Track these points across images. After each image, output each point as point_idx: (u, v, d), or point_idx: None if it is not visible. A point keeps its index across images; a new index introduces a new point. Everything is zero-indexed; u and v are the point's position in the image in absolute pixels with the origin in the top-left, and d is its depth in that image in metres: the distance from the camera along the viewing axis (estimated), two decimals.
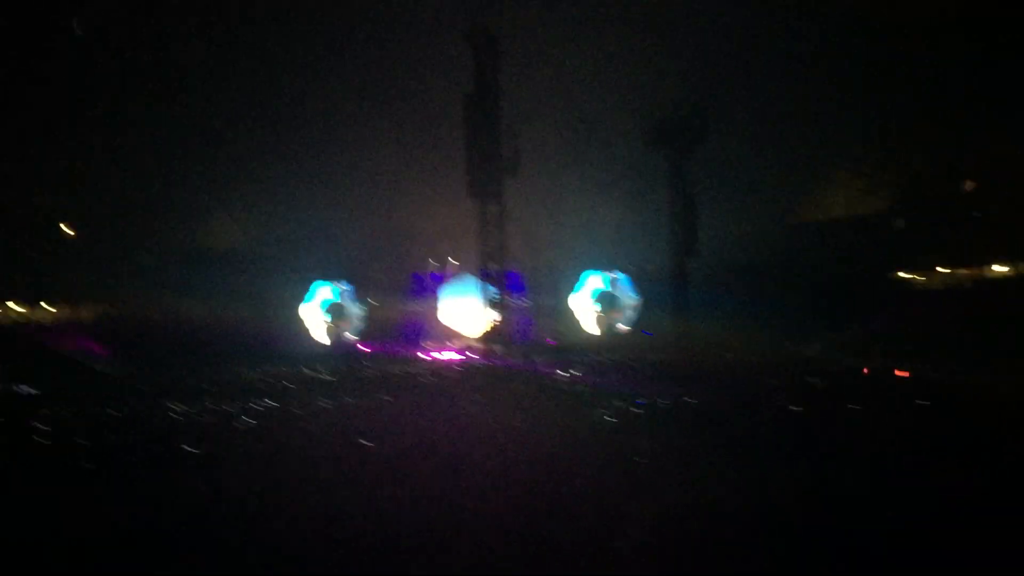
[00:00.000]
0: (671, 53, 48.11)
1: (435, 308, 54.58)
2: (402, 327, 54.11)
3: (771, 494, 14.04)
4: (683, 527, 12.63)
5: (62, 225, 51.27)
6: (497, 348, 35.65)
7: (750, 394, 26.14)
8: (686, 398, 24.57)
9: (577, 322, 53.97)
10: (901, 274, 49.62)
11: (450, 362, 45.37)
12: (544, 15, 47.62)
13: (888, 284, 48.84)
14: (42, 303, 50.26)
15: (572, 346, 48.91)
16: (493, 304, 35.38)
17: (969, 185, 47.91)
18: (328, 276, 54.33)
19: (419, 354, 49.75)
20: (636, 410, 22.81)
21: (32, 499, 15.33)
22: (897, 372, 31.51)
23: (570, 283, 54.26)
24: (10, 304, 49.42)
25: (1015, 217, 43.59)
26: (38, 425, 22.53)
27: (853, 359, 36.37)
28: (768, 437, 18.65)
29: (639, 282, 53.34)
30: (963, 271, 47.33)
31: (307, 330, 53.89)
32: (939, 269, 48.45)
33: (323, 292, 54.53)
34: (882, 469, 15.50)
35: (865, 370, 32.35)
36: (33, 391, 32.05)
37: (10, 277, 47.32)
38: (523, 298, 52.67)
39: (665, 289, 42.87)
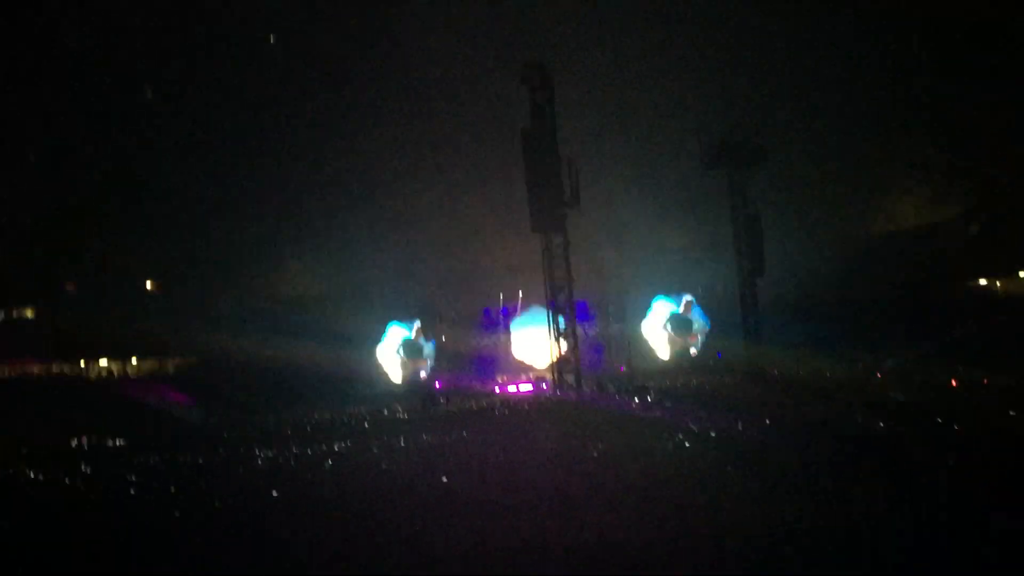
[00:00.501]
0: (727, 72, 48.16)
1: (506, 342, 54.96)
2: (474, 362, 54.56)
3: (855, 521, 13.61)
4: (771, 554, 12.44)
5: (148, 282, 53.31)
6: (568, 378, 35.75)
7: (829, 415, 25.81)
8: (765, 421, 24.37)
9: (648, 349, 53.78)
10: (980, 281, 48.41)
11: (523, 394, 45.57)
12: (597, 47, 48.16)
13: (967, 292, 47.66)
14: (131, 357, 52.14)
15: (644, 373, 48.74)
16: (562, 335, 35.55)
17: None
18: (401, 316, 55.21)
19: (493, 388, 50.08)
20: (713, 435, 22.73)
21: (124, 547, 15.92)
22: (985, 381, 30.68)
23: (638, 310, 54.16)
24: (101, 362, 51.37)
25: None
26: (129, 476, 23.37)
27: (936, 371, 35.53)
28: (848, 461, 18.29)
29: (708, 305, 53.01)
30: None
31: (383, 370, 54.73)
32: (1021, 274, 47.16)
33: (397, 332, 55.36)
34: (973, 493, 14.77)
35: (953, 382, 31.49)
36: (122, 443, 33.19)
37: (101, 334, 49.16)
38: (592, 327, 52.72)
39: (735, 311, 42.54)
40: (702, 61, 48.23)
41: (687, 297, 52.93)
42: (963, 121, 46.74)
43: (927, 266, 45.95)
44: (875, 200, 52.55)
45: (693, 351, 53.29)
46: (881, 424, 22.57)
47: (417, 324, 54.24)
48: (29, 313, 51.42)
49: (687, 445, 21.65)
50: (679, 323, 53.63)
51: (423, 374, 54.41)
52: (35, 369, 48.71)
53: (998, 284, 48.35)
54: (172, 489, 21.31)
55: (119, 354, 51.25)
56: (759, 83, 48.74)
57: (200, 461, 26.18)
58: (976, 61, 45.13)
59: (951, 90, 46.44)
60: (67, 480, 23.69)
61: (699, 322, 53.45)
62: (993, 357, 34.37)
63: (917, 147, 49.86)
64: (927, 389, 31.14)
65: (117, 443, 33.92)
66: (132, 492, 21.31)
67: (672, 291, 53.57)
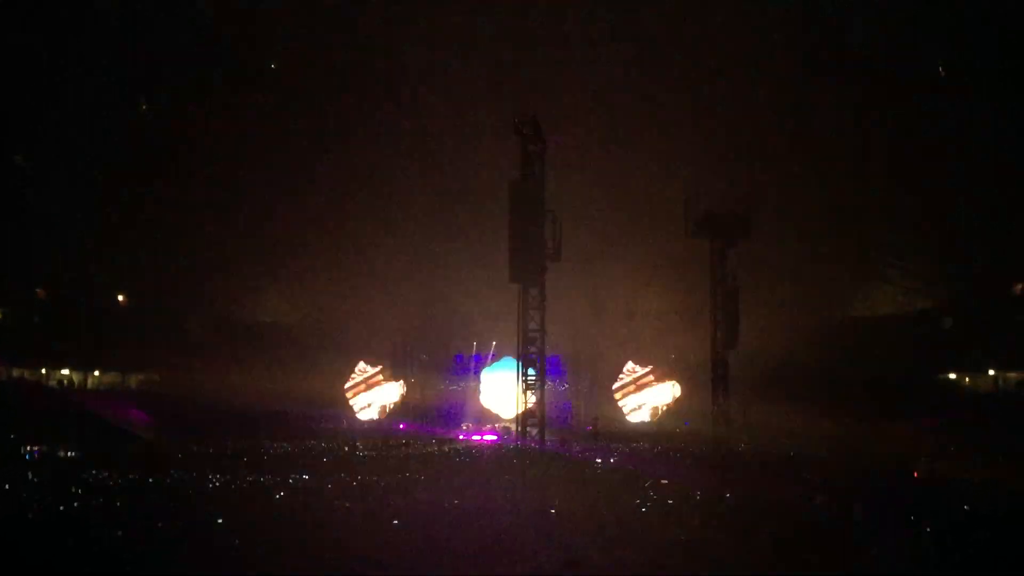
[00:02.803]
0: (719, 144, 48.90)
1: (475, 389, 54.76)
2: (440, 406, 54.29)
3: None
4: None
5: (119, 295, 52.83)
6: (533, 431, 35.49)
7: (787, 492, 25.64)
8: (722, 492, 24.17)
9: (616, 409, 53.70)
10: (950, 375, 48.76)
11: (486, 443, 45.25)
12: (591, 108, 48.82)
13: (936, 384, 47.95)
14: (94, 369, 51.44)
15: (610, 433, 48.56)
16: (531, 387, 35.35)
17: (1019, 287, 47.29)
18: (372, 354, 54.98)
19: (456, 434, 49.73)
20: (669, 501, 22.50)
21: (60, 559, 15.54)
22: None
23: (611, 371, 54.20)
24: (64, 371, 50.65)
25: None
26: (75, 489, 22.87)
27: (899, 459, 35.48)
28: (799, 537, 18.18)
29: (680, 373, 53.11)
30: (1012, 374, 46.40)
31: (348, 406, 54.30)
32: (989, 372, 47.53)
33: (364, 370, 55.08)
34: None
35: (916, 473, 31.31)
36: (75, 454, 32.58)
37: (66, 344, 48.57)
38: (562, 383, 52.68)
39: (706, 380, 42.52)
40: (696, 131, 48.98)
41: (654, 364, 53.22)
42: (949, 216, 47.49)
43: (899, 354, 46.21)
44: (853, 285, 53.08)
45: (659, 415, 53.34)
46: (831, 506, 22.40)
47: (385, 363, 54.09)
48: None
49: (641, 508, 21.40)
50: (644, 387, 53.84)
51: (386, 413, 54.14)
52: None
53: (967, 379, 48.72)
54: (117, 504, 20.84)
55: (82, 365, 50.57)
56: (751, 160, 49.50)
57: (149, 480, 25.67)
58: (966, 159, 46.02)
59: (938, 184, 47.25)
60: (7, 487, 23.16)
61: (667, 388, 53.57)
62: (958, 450, 34.49)
63: (899, 237, 50.55)
64: (889, 477, 30.99)
65: (69, 454, 33.26)
66: (75, 505, 20.80)
67: (645, 355, 53.78)
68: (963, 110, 45.33)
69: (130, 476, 26.10)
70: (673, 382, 53.42)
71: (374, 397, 54.81)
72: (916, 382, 45.76)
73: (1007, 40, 43.11)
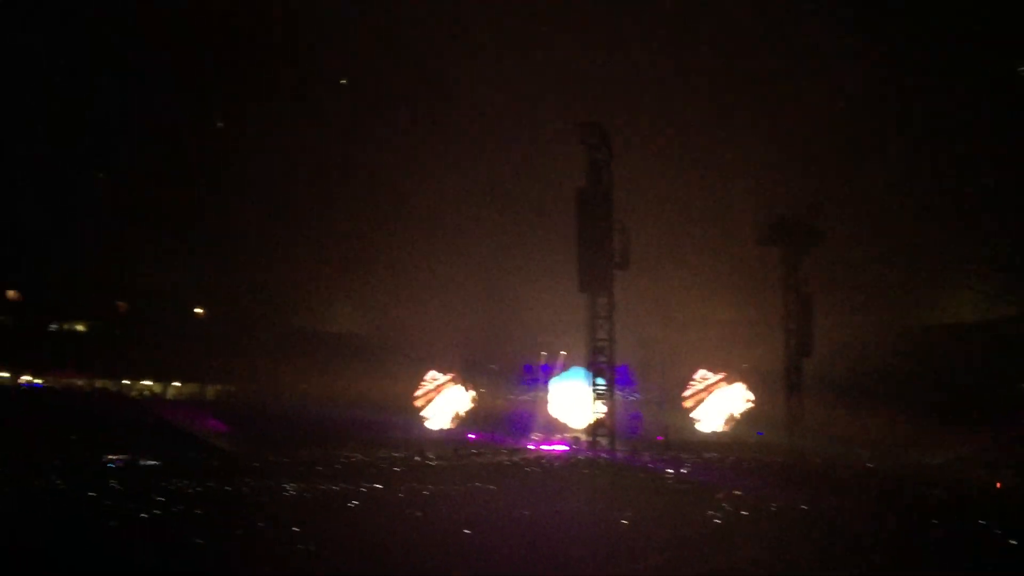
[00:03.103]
0: (791, 151, 48.10)
1: (544, 399, 54.67)
2: (511, 416, 54.33)
3: None
4: None
5: (196, 308, 54.22)
6: (604, 441, 35.28)
7: (866, 504, 25.02)
8: (799, 504, 23.67)
9: (687, 419, 53.05)
10: None
11: (556, 453, 45.11)
12: (660, 114, 48.47)
13: (1020, 392, 46.36)
14: (173, 380, 52.85)
15: (681, 442, 48.03)
16: (601, 397, 35.16)
17: None
18: (442, 364, 55.32)
19: (526, 444, 49.70)
20: (744, 512, 22.11)
21: (141, 566, 15.93)
22: None
23: (681, 379, 53.59)
24: (145, 382, 52.15)
25: None
26: (156, 497, 23.44)
27: (983, 471, 34.40)
28: (879, 551, 17.68)
29: (753, 382, 52.27)
30: None
31: (419, 415, 54.70)
32: None
33: (438, 379, 55.43)
34: None
35: (998, 484, 30.33)
36: (155, 463, 33.38)
37: (147, 354, 50.00)
38: (632, 392, 52.27)
39: (780, 389, 41.78)
40: (766, 137, 48.29)
41: (728, 372, 52.47)
42: None
43: (980, 363, 44.83)
44: (931, 291, 51.65)
45: (733, 425, 52.55)
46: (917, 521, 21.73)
47: (458, 373, 54.38)
48: (81, 327, 52.49)
49: (714, 520, 21.06)
50: (718, 396, 53.07)
51: (459, 422, 54.38)
52: (79, 382, 49.56)
53: None
54: (196, 512, 21.29)
55: (162, 375, 51.99)
56: (823, 164, 48.60)
57: (228, 489, 26.17)
58: None
59: (1017, 187, 45.80)
60: (94, 494, 23.82)
61: (741, 397, 52.74)
62: None
63: (979, 241, 49.04)
64: (971, 488, 30.04)
65: (150, 463, 34.10)
66: (158, 512, 21.31)
67: (717, 364, 53.06)
68: None
69: (208, 484, 26.65)
70: (743, 385, 52.58)
71: (445, 406, 55.12)
72: (998, 390, 44.30)
73: None
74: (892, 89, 47.28)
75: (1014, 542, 17.93)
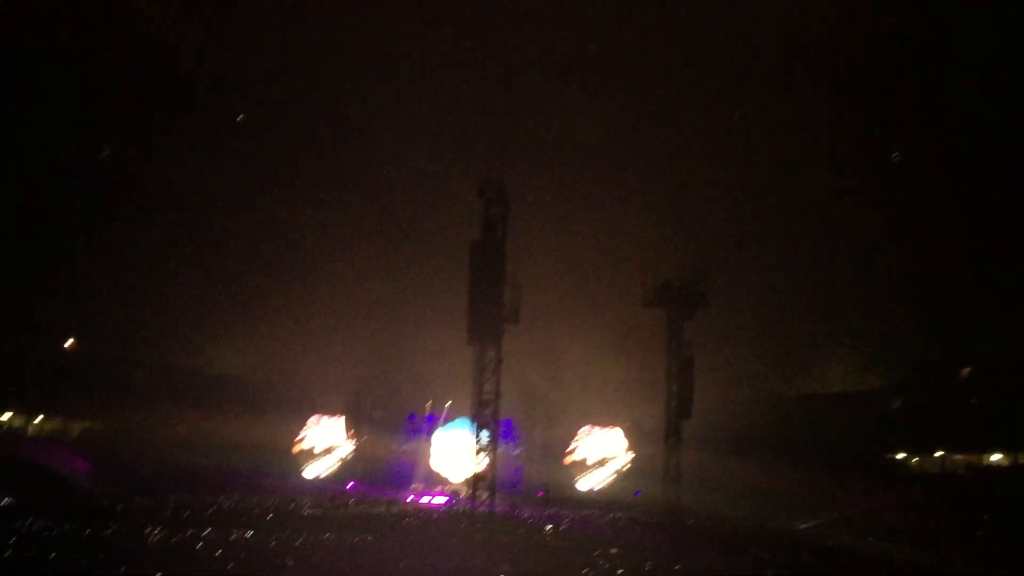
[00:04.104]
0: (674, 218, 49.69)
1: (426, 450, 54.13)
2: (392, 466, 53.54)
3: None
4: None
5: (67, 341, 51.73)
6: (484, 495, 35.04)
7: (737, 565, 25.58)
8: (674, 565, 24.00)
9: (567, 476, 53.30)
10: (897, 455, 49.26)
11: (436, 506, 44.62)
12: (553, 176, 49.50)
13: (886, 463, 48.38)
14: (37, 414, 50.09)
15: (561, 499, 48.17)
16: (484, 450, 35.00)
17: (966, 372, 48.14)
18: (325, 410, 54.22)
19: (406, 496, 49.00)
20: (619, 571, 22.30)
21: None
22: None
23: (565, 436, 53.94)
24: (5, 415, 49.25)
25: (1013, 407, 43.68)
26: (8, 538, 22.14)
27: (850, 538, 35.60)
28: None
29: (635, 439, 53.02)
30: (959, 456, 47.01)
31: (296, 463, 53.32)
32: (936, 453, 48.13)
33: (315, 427, 54.27)
34: None
35: None
36: (11, 501, 31.56)
37: (8, 388, 47.33)
38: (515, 446, 52.29)
39: (659, 449, 42.44)
40: (656, 201, 49.75)
41: (609, 431, 53.20)
42: (900, 298, 48.48)
43: (850, 432, 46.62)
44: (806, 360, 53.73)
45: (611, 484, 53.06)
46: None
47: (337, 421, 53.42)
48: None
49: None
50: (597, 455, 53.62)
51: (336, 471, 53.26)
52: None
53: (914, 460, 49.25)
54: (51, 556, 20.17)
55: (24, 409, 49.24)
56: (710, 232, 50.31)
57: (88, 531, 24.92)
58: (920, 244, 47.27)
59: (892, 264, 48.38)
60: None
61: (621, 456, 53.39)
62: (904, 532, 34.71)
63: (854, 316, 51.45)
64: (839, 554, 31.04)
65: (5, 501, 32.22)
66: (7, 554, 20.10)
67: (600, 422, 53.68)
68: (917, 192, 46.73)
69: (68, 526, 25.33)
70: (621, 431, 53.24)
71: (324, 453, 53.94)
72: (866, 459, 46.13)
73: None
74: (777, 164, 49.48)
75: None
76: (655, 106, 50.10)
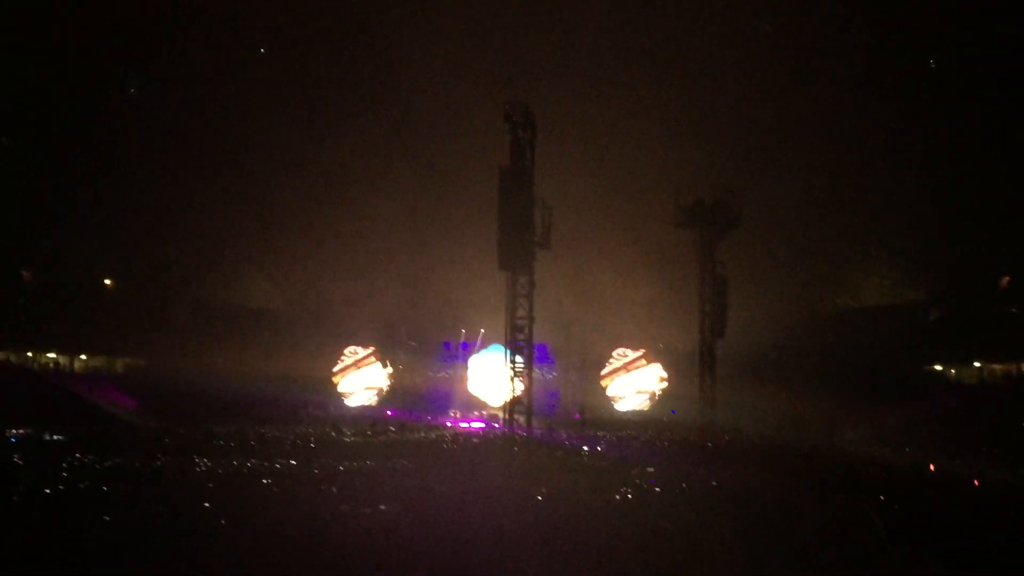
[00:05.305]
0: (710, 134, 48.90)
1: (462, 376, 54.76)
2: (429, 393, 54.29)
3: None
4: None
5: (106, 279, 52.55)
6: (521, 419, 35.51)
7: (773, 481, 25.72)
8: (710, 481, 24.20)
9: (603, 398, 53.78)
10: (936, 366, 49.05)
11: (473, 430, 45.29)
12: (581, 97, 48.73)
13: (923, 375, 48.24)
14: (80, 352, 51.23)
15: (597, 421, 48.67)
16: (519, 375, 35.34)
17: (1005, 281, 47.55)
18: (361, 339, 54.88)
19: (444, 421, 49.74)
20: (655, 488, 22.54)
21: (45, 542, 15.46)
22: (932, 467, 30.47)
23: (599, 359, 54.26)
24: (50, 354, 50.40)
25: None
26: (61, 472, 22.80)
27: (887, 450, 35.72)
28: (795, 527, 18.16)
29: (668, 361, 53.26)
30: (997, 367, 46.72)
31: (335, 391, 54.23)
32: (975, 363, 47.86)
33: (356, 354, 54.99)
34: None
35: (932, 466, 30.94)
36: (60, 438, 32.40)
37: (52, 327, 48.35)
38: (550, 371, 52.73)
39: (693, 370, 42.63)
40: (686, 120, 48.96)
41: (643, 351, 53.34)
42: (936, 208, 47.69)
43: (887, 346, 46.46)
44: (842, 276, 53.29)
45: (648, 403, 53.48)
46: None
47: (373, 349, 54.00)
48: None
49: (628, 496, 21.41)
50: (633, 375, 53.95)
51: (375, 398, 54.06)
52: None
53: (952, 371, 49.05)
54: (103, 488, 20.76)
55: (68, 348, 50.34)
56: (741, 149, 49.54)
57: (136, 464, 25.57)
58: (956, 154, 46.25)
59: (928, 176, 47.47)
60: None
61: (656, 376, 53.69)
62: (941, 443, 34.72)
63: (888, 229, 50.73)
64: (875, 465, 31.14)
65: (54, 437, 33.09)
66: (61, 488, 20.72)
67: (633, 343, 53.86)
68: (954, 106, 45.52)
69: (116, 459, 25.99)
70: (659, 365, 53.54)
71: (363, 382, 54.74)
72: (903, 372, 46.02)
73: (1004, 40, 43.25)
74: (809, 78, 48.38)
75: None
76: (684, 19, 48.95)
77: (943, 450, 32.97)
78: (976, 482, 27.46)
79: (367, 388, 54.68)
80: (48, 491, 20.26)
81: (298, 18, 49.97)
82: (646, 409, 53.50)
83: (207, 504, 18.97)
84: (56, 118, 48.49)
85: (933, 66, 47.60)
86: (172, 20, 47.83)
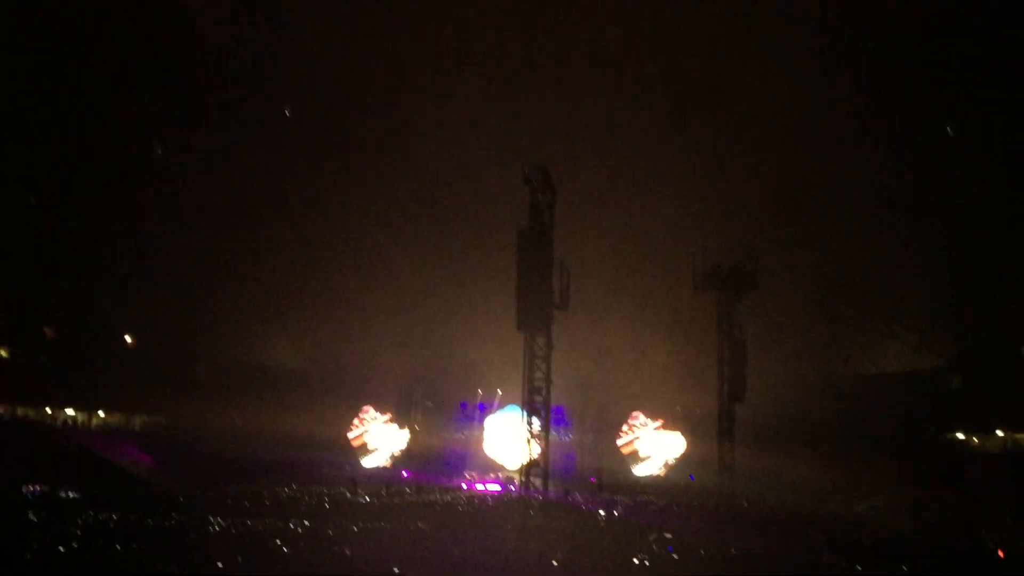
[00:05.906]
0: (729, 198, 49.18)
1: (479, 437, 54.45)
2: (445, 454, 53.96)
3: None
4: None
5: (126, 337, 52.93)
6: (537, 482, 35.18)
7: (792, 548, 25.34)
8: (730, 549, 23.87)
9: (619, 461, 53.21)
10: (958, 435, 48.29)
11: (489, 493, 44.89)
12: (600, 159, 49.26)
13: (944, 444, 47.48)
14: (98, 409, 51.35)
15: (614, 484, 48.12)
16: (536, 437, 35.12)
17: None
18: (379, 400, 54.80)
19: (460, 483, 49.35)
20: (673, 555, 22.26)
21: None
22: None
23: (616, 421, 53.84)
24: (68, 410, 50.55)
25: None
26: (75, 530, 22.77)
27: (909, 521, 35.06)
28: None
29: (686, 425, 52.75)
30: (1021, 436, 45.95)
31: (352, 452, 54.00)
32: (998, 432, 47.10)
33: (373, 416, 54.85)
34: None
35: (1001, 553, 29.91)
36: (75, 495, 32.40)
37: (71, 384, 48.56)
38: (567, 433, 52.35)
39: (711, 433, 42.20)
40: (705, 185, 49.30)
41: (661, 416, 52.98)
42: (956, 274, 47.48)
43: (906, 413, 45.85)
44: (860, 341, 52.88)
45: (665, 468, 52.86)
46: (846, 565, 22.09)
47: (391, 411, 53.91)
48: (3, 352, 50.76)
49: (644, 563, 21.12)
50: (649, 440, 53.43)
51: (391, 460, 53.78)
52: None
53: (975, 440, 48.27)
54: (116, 546, 20.70)
55: (86, 404, 50.46)
56: (760, 215, 49.69)
57: (150, 522, 25.52)
58: (977, 219, 46.22)
59: (948, 243, 47.37)
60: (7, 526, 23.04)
61: (673, 441, 53.14)
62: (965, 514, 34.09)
63: (907, 295, 50.49)
64: (894, 535, 30.62)
65: (70, 495, 33.10)
66: (75, 546, 20.67)
67: (651, 408, 53.45)
68: (974, 171, 45.62)
69: (130, 517, 25.95)
70: (678, 432, 53.04)
71: (380, 443, 54.54)
72: (922, 440, 45.35)
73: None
74: (826, 143, 48.72)
75: None
76: (702, 87, 49.55)
77: (966, 520, 32.37)
78: (1001, 553, 26.82)
79: (384, 449, 54.45)
80: (62, 548, 20.22)
81: (323, 83, 50.97)
82: (662, 474, 52.89)
83: (219, 564, 18.87)
84: (82, 177, 49.38)
85: (951, 133, 47.80)
86: (205, 86, 48.88)
